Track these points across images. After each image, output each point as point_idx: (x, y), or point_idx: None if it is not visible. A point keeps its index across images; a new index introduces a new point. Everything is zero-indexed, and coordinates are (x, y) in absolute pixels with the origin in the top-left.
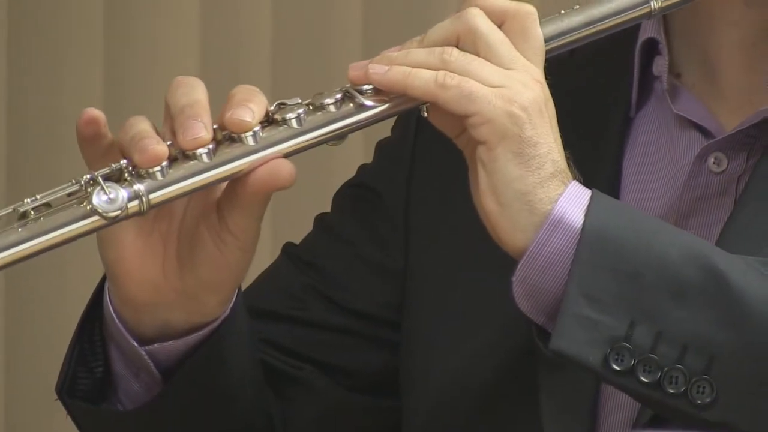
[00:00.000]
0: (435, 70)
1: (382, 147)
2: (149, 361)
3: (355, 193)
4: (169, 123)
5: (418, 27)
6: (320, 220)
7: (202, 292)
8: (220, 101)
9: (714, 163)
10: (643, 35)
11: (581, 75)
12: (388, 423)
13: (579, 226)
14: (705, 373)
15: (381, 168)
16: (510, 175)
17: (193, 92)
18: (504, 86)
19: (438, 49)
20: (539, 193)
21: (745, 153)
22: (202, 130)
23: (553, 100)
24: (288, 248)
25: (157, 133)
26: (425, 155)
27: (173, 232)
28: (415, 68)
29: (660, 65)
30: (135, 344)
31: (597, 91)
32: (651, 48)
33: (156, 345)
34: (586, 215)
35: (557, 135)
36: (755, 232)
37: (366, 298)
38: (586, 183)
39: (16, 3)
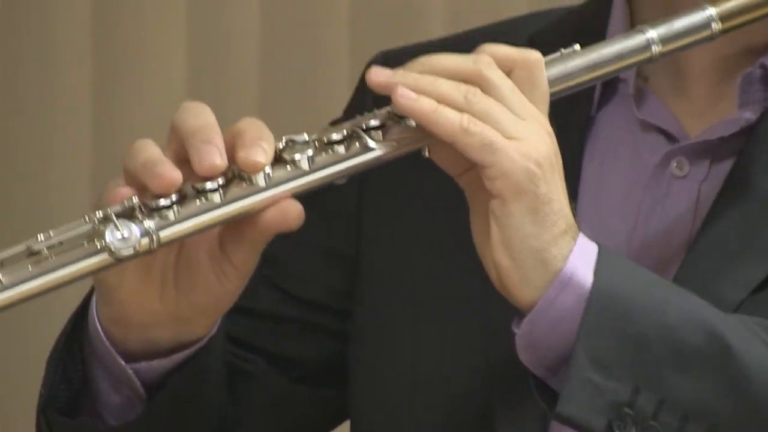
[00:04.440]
0: (459, 108)
1: None
2: (135, 379)
3: None
4: (175, 146)
5: (405, 26)
6: None
7: (195, 315)
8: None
9: (676, 167)
10: (612, 37)
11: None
12: (333, 412)
13: (588, 285)
14: None
15: None
16: (525, 232)
17: (205, 114)
18: (521, 139)
19: (464, 87)
20: (553, 250)
21: (708, 159)
22: (217, 157)
23: None
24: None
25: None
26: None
27: (173, 263)
28: (441, 104)
29: (626, 71)
30: (123, 363)
31: None
32: None
33: (143, 363)
34: (596, 274)
35: (565, 188)
36: (723, 250)
37: (317, 286)
38: None
39: (6, 3)
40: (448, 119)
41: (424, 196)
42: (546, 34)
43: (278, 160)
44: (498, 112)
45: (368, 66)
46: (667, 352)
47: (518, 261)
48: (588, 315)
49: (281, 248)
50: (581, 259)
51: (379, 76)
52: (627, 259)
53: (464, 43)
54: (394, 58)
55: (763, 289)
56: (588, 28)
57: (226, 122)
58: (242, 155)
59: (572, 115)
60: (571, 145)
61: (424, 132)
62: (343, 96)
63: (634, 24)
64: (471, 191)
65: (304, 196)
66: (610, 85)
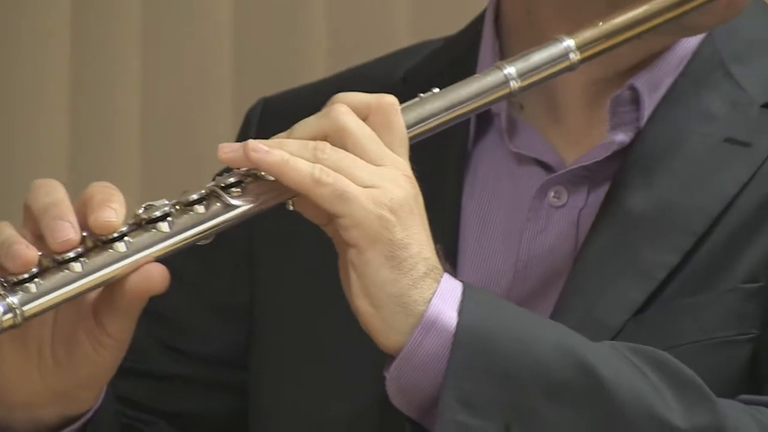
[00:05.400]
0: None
1: None
2: None
3: None
4: (30, 225)
5: (380, 31)
6: None
7: (77, 389)
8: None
9: (554, 197)
10: (482, 70)
11: None
12: None
13: (453, 326)
14: None
15: None
16: (382, 279)
17: (56, 192)
18: (375, 186)
19: (311, 143)
20: (413, 294)
21: (585, 186)
22: (70, 231)
23: None
24: None
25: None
26: None
27: (48, 337)
28: (294, 157)
29: (499, 103)
30: None
31: None
32: None
33: None
34: (460, 314)
35: (427, 230)
36: (602, 275)
37: (211, 342)
38: (430, 226)
39: None
40: (300, 170)
41: (314, 239)
42: (419, 71)
43: (139, 225)
44: (350, 162)
45: (249, 113)
46: (537, 387)
47: (379, 308)
48: (454, 356)
49: (172, 308)
50: (445, 301)
51: (229, 151)
52: (495, 295)
53: (342, 83)
54: (274, 104)
55: (644, 311)
56: (459, 62)
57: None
58: (92, 219)
59: (449, 154)
60: (449, 184)
61: (283, 185)
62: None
63: (504, 56)
64: (336, 240)
65: (189, 252)
66: (484, 120)
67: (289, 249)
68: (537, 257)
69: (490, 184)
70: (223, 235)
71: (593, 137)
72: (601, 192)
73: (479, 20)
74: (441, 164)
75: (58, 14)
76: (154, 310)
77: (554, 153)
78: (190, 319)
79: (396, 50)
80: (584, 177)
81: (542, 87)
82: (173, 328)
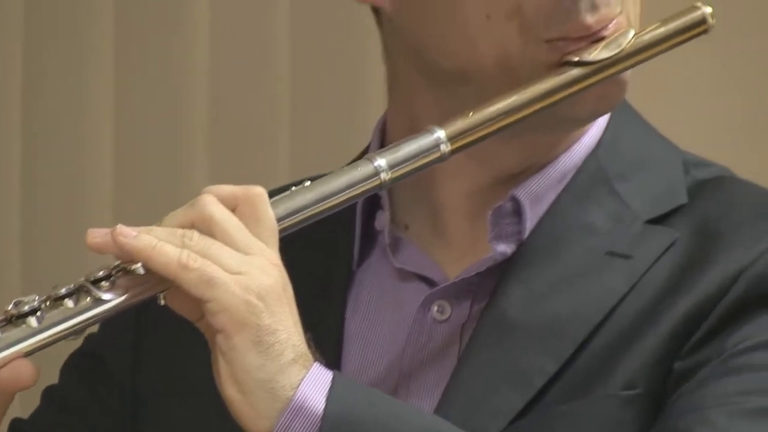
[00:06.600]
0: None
1: None
2: None
3: (81, 363)
4: None
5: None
6: (48, 392)
7: None
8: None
9: (438, 311)
10: None
11: (307, 230)
12: None
13: (320, 411)
14: None
15: (106, 335)
16: (250, 365)
17: None
18: (242, 273)
19: (179, 231)
20: (281, 380)
21: (469, 300)
22: None
23: (281, 254)
24: (15, 423)
25: None
26: (155, 318)
27: None
28: (161, 242)
29: (382, 220)
30: None
31: (323, 246)
32: (374, 202)
33: None
34: (328, 400)
35: (296, 318)
36: (482, 383)
37: None
38: (314, 340)
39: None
40: (167, 254)
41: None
42: None
43: (9, 321)
44: (218, 249)
45: None
46: None
47: (247, 394)
48: None
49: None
50: (314, 387)
51: (96, 237)
52: (364, 385)
53: None
54: None
55: (522, 418)
56: None
57: None
58: None
59: (334, 270)
60: (332, 302)
61: (153, 279)
62: None
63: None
64: (206, 331)
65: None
66: (368, 238)
67: (175, 381)
68: (420, 371)
69: (374, 300)
70: (107, 366)
71: (476, 250)
72: (484, 304)
73: (366, 150)
74: (325, 284)
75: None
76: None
77: (437, 268)
78: None
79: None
80: (467, 290)
81: (425, 199)
82: None
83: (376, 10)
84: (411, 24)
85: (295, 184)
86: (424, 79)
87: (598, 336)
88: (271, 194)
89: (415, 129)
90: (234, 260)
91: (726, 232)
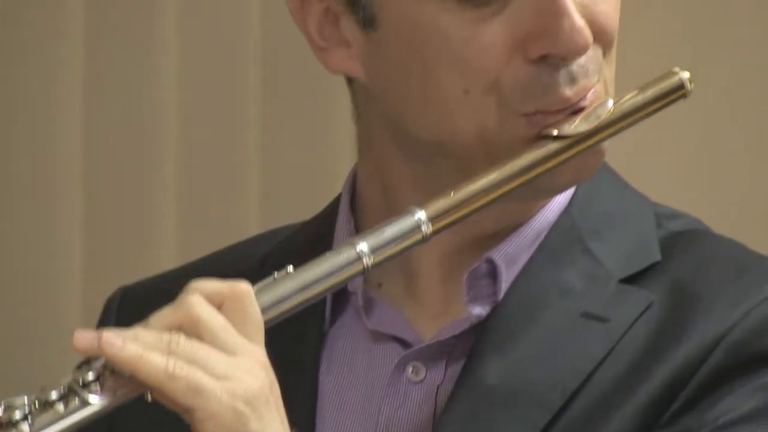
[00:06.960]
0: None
1: None
2: None
3: None
4: None
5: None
6: None
7: None
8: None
9: (413, 372)
10: (337, 245)
11: None
12: None
13: None
14: None
15: None
16: None
17: None
18: (229, 378)
19: (166, 336)
20: None
21: (443, 361)
22: None
23: None
24: None
25: None
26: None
27: None
28: (147, 351)
29: (355, 281)
30: None
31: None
32: None
33: None
34: None
35: (284, 417)
36: None
37: None
38: (286, 405)
39: None
40: (153, 365)
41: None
42: (278, 251)
43: (0, 426)
44: (205, 353)
45: (108, 303)
46: None
47: None
48: None
49: None
50: None
51: (83, 341)
52: None
53: (199, 271)
54: (132, 292)
55: None
56: (316, 239)
57: None
58: None
59: (307, 331)
60: (306, 362)
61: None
62: None
63: (359, 230)
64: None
65: None
66: (340, 299)
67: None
68: (396, 431)
69: (348, 361)
70: None
71: (450, 311)
72: (459, 366)
73: (336, 201)
74: (298, 346)
75: None
76: None
77: (411, 329)
78: None
79: (252, 236)
80: (442, 352)
81: (399, 261)
82: None
83: (349, 78)
84: (387, 95)
85: (278, 270)
86: (399, 149)
87: (575, 404)
88: (258, 239)
89: (390, 199)
90: (221, 364)
91: (702, 294)
